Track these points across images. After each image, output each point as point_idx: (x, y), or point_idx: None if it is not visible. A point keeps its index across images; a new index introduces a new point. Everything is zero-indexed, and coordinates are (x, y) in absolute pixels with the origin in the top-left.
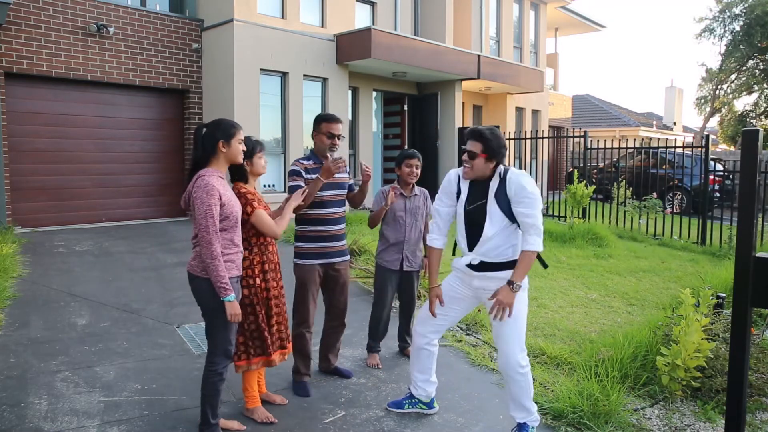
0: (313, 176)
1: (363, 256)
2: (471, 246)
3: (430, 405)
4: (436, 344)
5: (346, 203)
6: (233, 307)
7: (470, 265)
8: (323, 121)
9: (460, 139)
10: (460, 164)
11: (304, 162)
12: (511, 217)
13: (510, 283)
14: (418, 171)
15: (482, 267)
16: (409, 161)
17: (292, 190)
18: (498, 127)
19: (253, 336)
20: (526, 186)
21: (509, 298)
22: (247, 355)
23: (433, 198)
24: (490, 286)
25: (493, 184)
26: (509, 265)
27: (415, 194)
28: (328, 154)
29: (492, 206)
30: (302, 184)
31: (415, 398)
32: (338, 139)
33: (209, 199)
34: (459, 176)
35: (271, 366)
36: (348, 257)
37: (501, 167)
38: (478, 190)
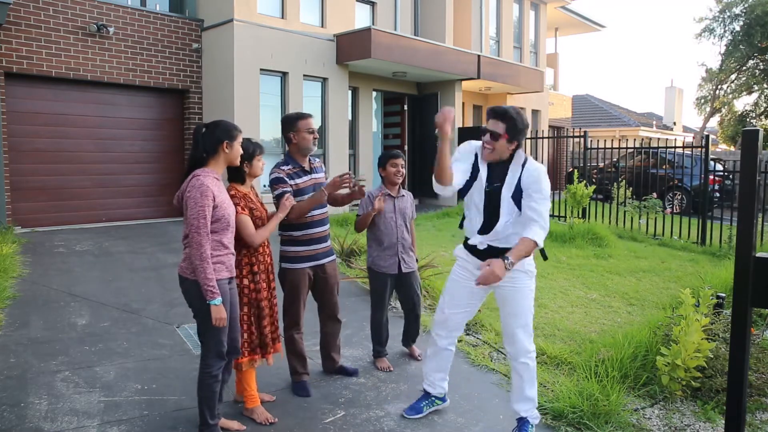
0: (297, 181)
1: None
2: (483, 230)
3: (443, 399)
4: (455, 343)
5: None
6: (218, 311)
7: (475, 251)
8: (298, 119)
9: (461, 139)
10: None
11: (285, 168)
12: (519, 205)
13: (504, 258)
14: (404, 171)
15: (488, 254)
16: (394, 161)
17: (279, 198)
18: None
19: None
20: (541, 182)
21: (500, 271)
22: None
23: (424, 198)
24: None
25: (514, 171)
26: None
27: (402, 195)
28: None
29: (506, 192)
30: (289, 189)
31: (432, 397)
32: (316, 133)
33: (203, 200)
34: (477, 154)
35: (239, 370)
36: (335, 256)
37: (522, 154)
38: (496, 172)
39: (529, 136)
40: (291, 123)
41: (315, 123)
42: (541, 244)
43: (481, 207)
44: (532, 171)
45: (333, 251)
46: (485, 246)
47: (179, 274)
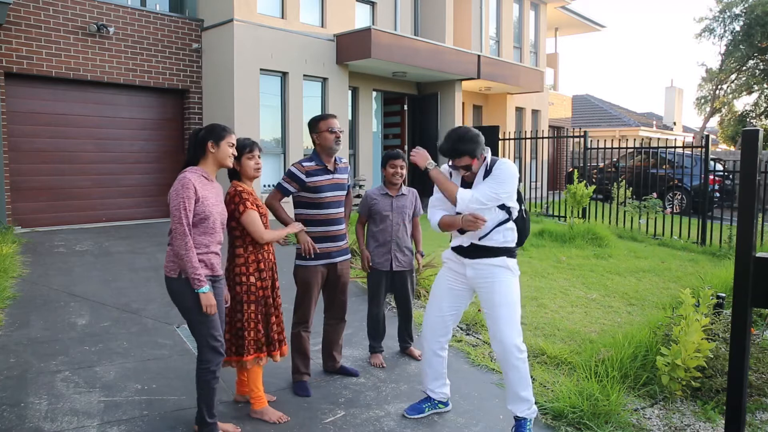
0: (316, 179)
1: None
2: (463, 231)
3: (446, 404)
4: (446, 347)
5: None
6: (208, 299)
7: (461, 249)
8: (320, 120)
9: None
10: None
11: (306, 164)
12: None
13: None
14: (403, 172)
15: (473, 252)
16: (393, 162)
17: (278, 186)
18: (466, 127)
19: (237, 334)
20: (498, 171)
21: (421, 158)
22: (229, 352)
23: (422, 197)
24: (483, 275)
25: (480, 174)
26: (499, 251)
27: (402, 194)
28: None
29: None
30: (290, 188)
31: (435, 401)
32: (340, 132)
33: (183, 192)
34: (450, 172)
35: (243, 368)
36: (349, 256)
37: (488, 158)
38: (467, 183)
39: (529, 136)
40: (313, 125)
41: (338, 123)
42: (457, 204)
43: (455, 213)
44: (494, 168)
45: (348, 250)
46: (469, 243)
47: (165, 275)
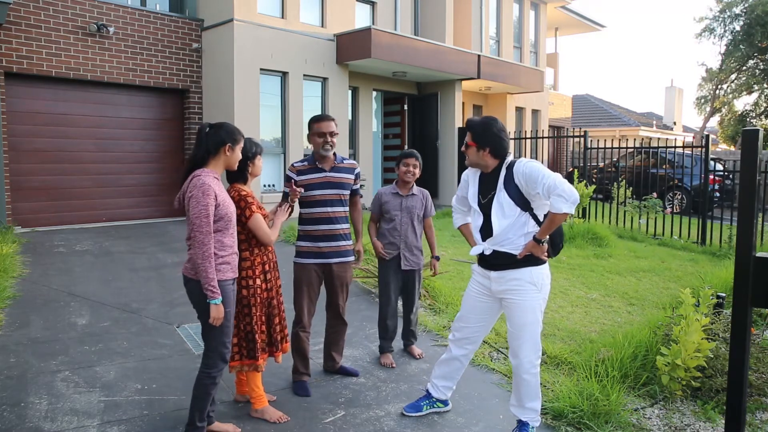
0: (306, 177)
1: (363, 255)
2: (485, 237)
3: (445, 403)
4: (470, 357)
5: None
6: (218, 311)
7: (484, 259)
8: (314, 122)
9: (460, 139)
10: (460, 161)
11: (298, 165)
12: (523, 205)
13: (535, 238)
14: (416, 171)
15: (496, 263)
16: (406, 160)
17: (284, 196)
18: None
19: (247, 338)
20: (534, 170)
21: (535, 249)
22: (240, 356)
23: (433, 197)
24: (508, 290)
25: (501, 175)
26: (523, 262)
27: (413, 194)
28: (292, 178)
29: (501, 195)
30: (287, 190)
31: (434, 398)
32: (331, 136)
33: (205, 199)
34: (468, 176)
35: (258, 371)
36: (350, 258)
37: (509, 158)
38: (487, 183)
39: (529, 136)
40: (309, 124)
41: (333, 126)
42: (568, 211)
43: (480, 219)
44: (521, 168)
45: (348, 252)
46: (491, 251)
47: (183, 274)
